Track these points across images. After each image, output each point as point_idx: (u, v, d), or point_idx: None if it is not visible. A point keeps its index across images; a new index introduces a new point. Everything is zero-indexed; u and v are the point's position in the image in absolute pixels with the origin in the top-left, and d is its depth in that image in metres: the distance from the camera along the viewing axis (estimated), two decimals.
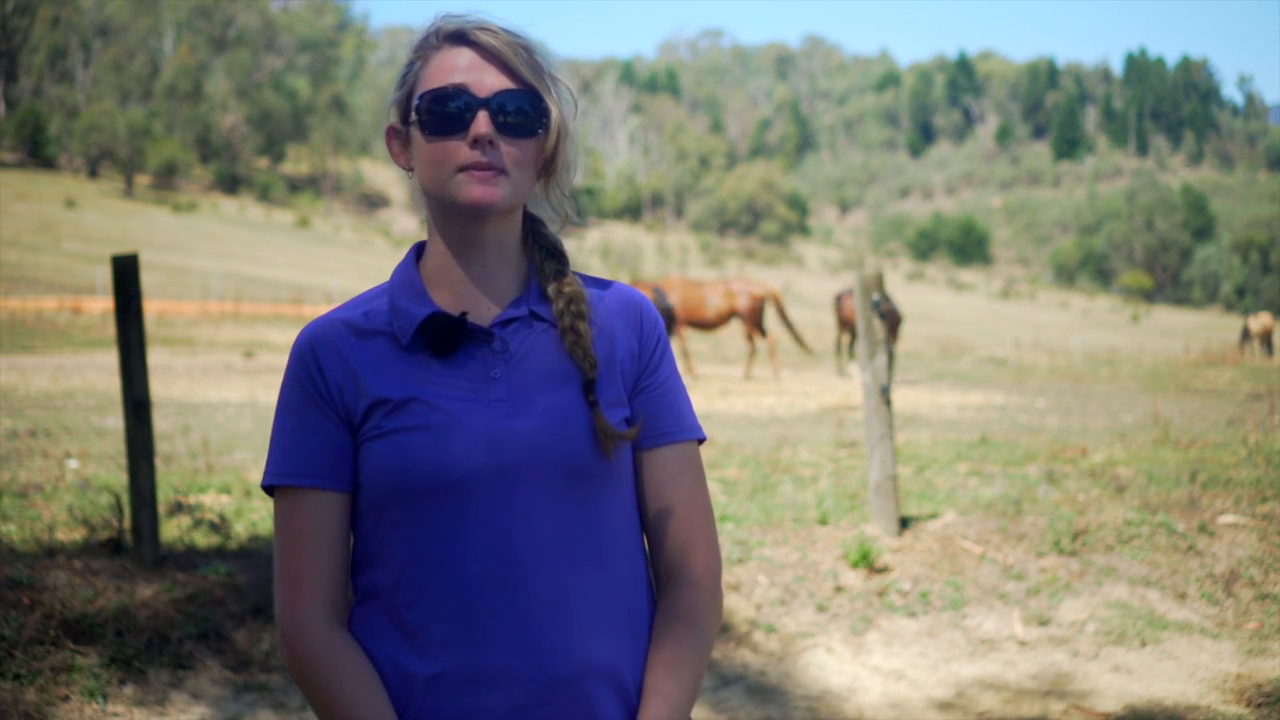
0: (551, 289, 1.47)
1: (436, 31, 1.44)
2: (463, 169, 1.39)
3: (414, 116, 1.42)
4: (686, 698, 1.42)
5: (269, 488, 1.44)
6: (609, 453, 1.41)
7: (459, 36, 1.42)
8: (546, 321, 1.46)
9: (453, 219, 1.44)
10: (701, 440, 1.55)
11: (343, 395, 1.42)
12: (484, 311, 1.45)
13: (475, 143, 1.38)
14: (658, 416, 1.50)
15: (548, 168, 1.46)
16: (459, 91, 1.39)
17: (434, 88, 1.40)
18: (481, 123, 1.38)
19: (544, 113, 1.42)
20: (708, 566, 1.51)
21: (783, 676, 4.46)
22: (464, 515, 1.38)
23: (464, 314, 1.43)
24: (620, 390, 1.47)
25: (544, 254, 1.50)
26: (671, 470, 1.51)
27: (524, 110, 1.40)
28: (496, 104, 1.39)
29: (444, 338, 1.42)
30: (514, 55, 1.41)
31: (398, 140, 1.47)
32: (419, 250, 1.52)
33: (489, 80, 1.40)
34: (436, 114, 1.40)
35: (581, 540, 1.41)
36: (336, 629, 1.41)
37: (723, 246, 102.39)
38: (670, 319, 18.15)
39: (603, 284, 1.54)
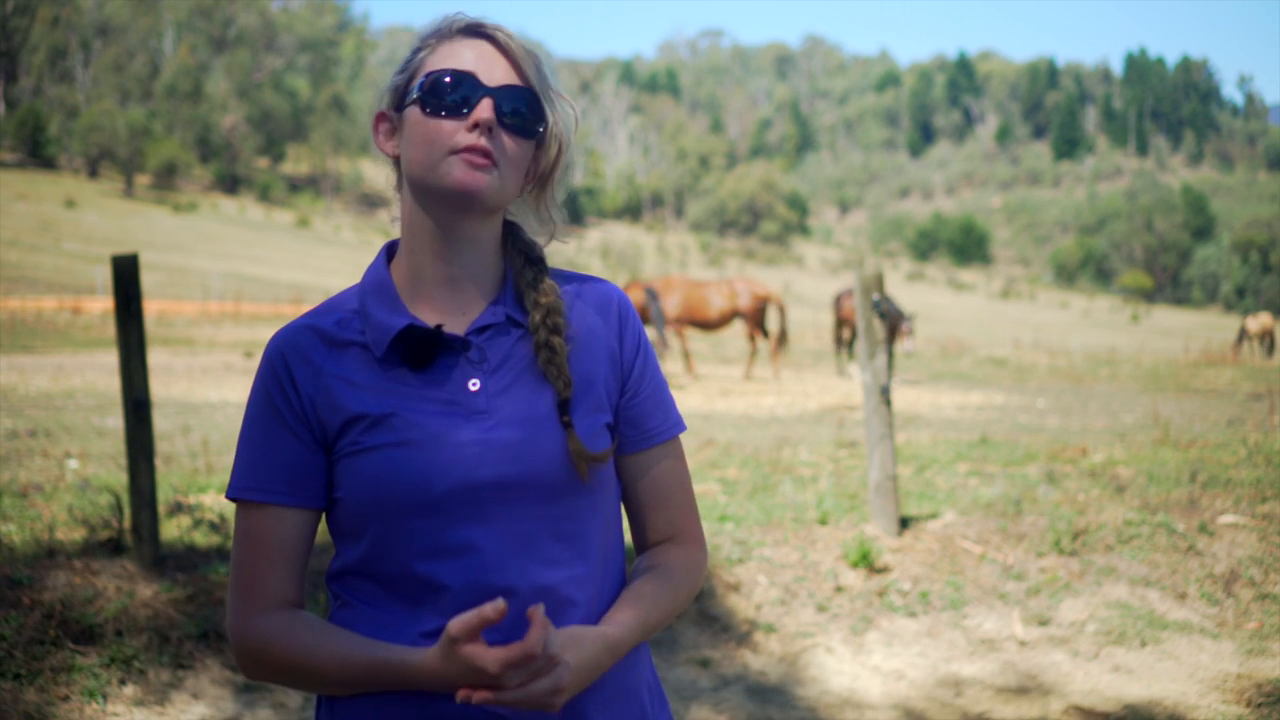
0: (528, 299, 1.45)
1: (450, 24, 1.43)
2: (456, 152, 1.37)
3: (414, 95, 1.40)
4: (636, 626, 1.42)
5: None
6: (584, 474, 1.41)
7: (474, 29, 1.42)
8: (523, 328, 1.44)
9: (432, 209, 1.41)
10: (683, 430, 1.57)
11: (315, 409, 1.40)
12: (459, 316, 1.43)
13: (475, 126, 1.36)
14: (645, 418, 1.51)
15: (542, 178, 1.45)
16: (467, 76, 1.38)
17: (443, 68, 1.39)
18: (485, 108, 1.37)
19: (545, 118, 1.41)
20: (695, 542, 1.56)
21: (783, 676, 4.46)
22: (447, 529, 1.36)
23: (439, 326, 1.40)
24: (601, 394, 1.46)
25: (522, 259, 1.48)
26: (663, 467, 1.53)
27: (528, 110, 1.40)
28: (502, 96, 1.38)
29: (420, 351, 1.40)
30: (525, 57, 1.41)
31: (386, 125, 1.45)
32: (390, 250, 1.49)
33: (499, 73, 1.39)
34: (440, 94, 1.38)
35: (566, 550, 1.40)
36: (288, 610, 1.40)
37: (723, 246, 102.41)
38: (660, 320, 18.12)
39: (580, 280, 1.52)
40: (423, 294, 1.44)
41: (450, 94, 1.38)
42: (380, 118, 1.45)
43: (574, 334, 1.46)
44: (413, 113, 1.40)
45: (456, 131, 1.37)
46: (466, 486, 1.36)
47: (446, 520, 1.36)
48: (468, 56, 1.40)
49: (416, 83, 1.40)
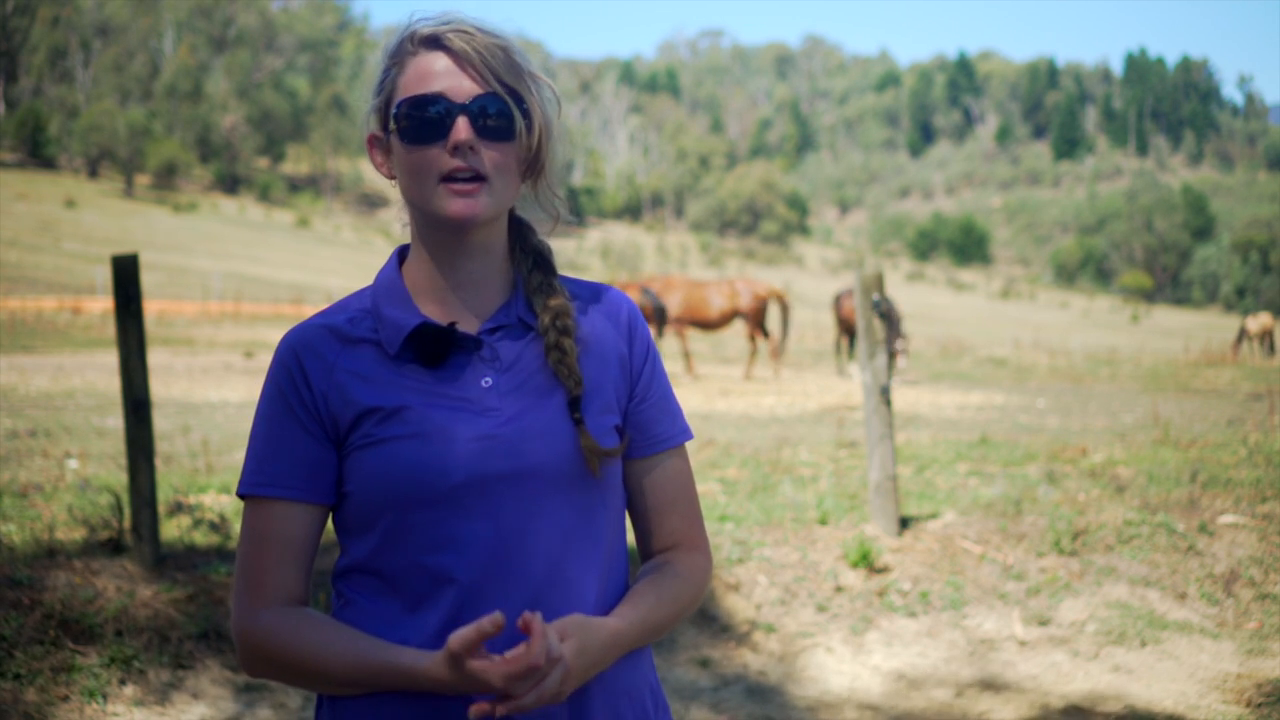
0: (537, 303, 1.45)
1: (411, 36, 1.41)
2: (444, 179, 1.37)
3: (393, 125, 1.40)
4: (640, 621, 1.43)
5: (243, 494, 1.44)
6: (595, 470, 1.41)
7: (434, 41, 1.40)
8: (535, 330, 1.45)
9: (436, 229, 1.42)
10: (689, 438, 1.58)
11: (328, 404, 1.40)
12: (471, 318, 1.44)
13: (456, 149, 1.36)
14: (653, 423, 1.52)
15: (533, 168, 1.44)
16: (437, 98, 1.37)
17: (411, 95, 1.38)
18: (461, 129, 1.36)
19: (525, 115, 1.40)
20: (701, 549, 1.56)
21: (783, 676, 4.46)
22: (456, 523, 1.37)
23: (453, 324, 1.42)
24: (610, 396, 1.47)
25: (530, 262, 1.49)
26: (669, 473, 1.54)
27: (504, 113, 1.38)
28: (476, 108, 1.37)
29: (433, 348, 1.40)
30: (491, 58, 1.38)
31: (379, 149, 1.45)
32: (401, 254, 1.50)
33: (467, 85, 1.38)
34: (415, 121, 1.37)
35: (572, 547, 1.41)
36: (293, 607, 1.40)
37: (723, 246, 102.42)
38: (664, 318, 18.14)
39: (590, 288, 1.53)
40: (434, 297, 1.45)
41: (424, 120, 1.37)
42: (372, 141, 1.46)
43: (584, 338, 1.47)
44: (395, 142, 1.41)
45: (440, 157, 1.37)
46: (475, 480, 1.37)
47: (455, 513, 1.37)
48: (435, 72, 1.38)
49: (393, 109, 1.40)
